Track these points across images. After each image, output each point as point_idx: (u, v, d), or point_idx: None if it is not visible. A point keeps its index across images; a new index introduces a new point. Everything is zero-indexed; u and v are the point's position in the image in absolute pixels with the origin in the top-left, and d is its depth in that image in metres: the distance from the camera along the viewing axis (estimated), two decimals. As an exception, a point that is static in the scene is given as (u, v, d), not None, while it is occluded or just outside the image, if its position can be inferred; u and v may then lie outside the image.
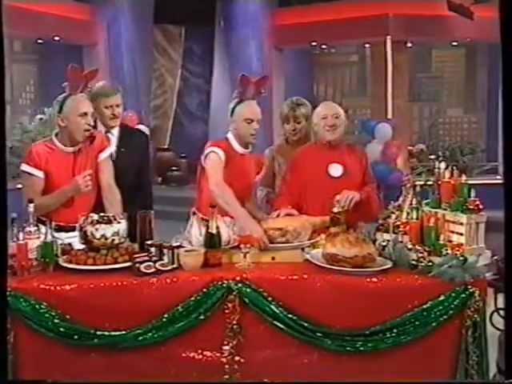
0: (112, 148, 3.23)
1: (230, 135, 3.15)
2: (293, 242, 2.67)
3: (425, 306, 2.35)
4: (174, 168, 10.43)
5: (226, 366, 2.38)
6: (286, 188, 3.26)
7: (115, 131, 3.44)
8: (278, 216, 2.93)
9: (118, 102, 3.40)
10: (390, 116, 8.52)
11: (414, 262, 2.47)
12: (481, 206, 2.63)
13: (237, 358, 2.38)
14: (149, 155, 3.76)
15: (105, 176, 3.14)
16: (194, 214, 3.11)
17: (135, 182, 3.44)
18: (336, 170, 3.18)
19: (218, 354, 2.38)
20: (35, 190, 2.96)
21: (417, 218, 2.64)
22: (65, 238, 2.86)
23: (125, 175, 3.35)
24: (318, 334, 2.36)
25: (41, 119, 8.04)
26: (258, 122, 3.11)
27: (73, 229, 2.83)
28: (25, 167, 2.99)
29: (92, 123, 3.02)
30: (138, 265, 2.43)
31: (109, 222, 2.58)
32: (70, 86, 3.01)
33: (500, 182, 2.18)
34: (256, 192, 3.39)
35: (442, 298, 2.35)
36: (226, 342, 2.37)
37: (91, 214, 2.64)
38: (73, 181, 2.94)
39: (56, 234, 2.67)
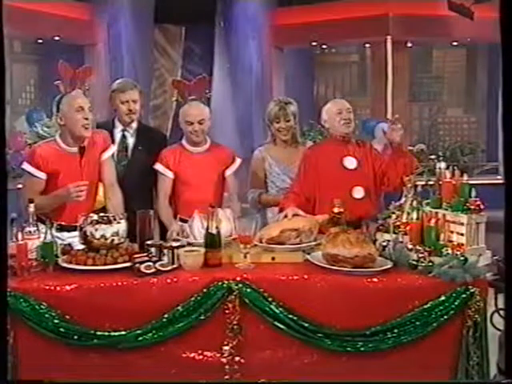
0: (114, 148, 3.22)
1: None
2: (305, 242, 2.68)
3: (425, 307, 2.35)
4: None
5: (226, 367, 2.38)
6: (299, 186, 3.28)
7: (132, 129, 3.42)
8: (285, 217, 2.92)
9: (135, 97, 3.37)
10: (389, 116, 8.51)
11: (414, 263, 2.46)
12: (482, 206, 2.62)
13: (237, 359, 2.38)
14: None
15: (107, 175, 3.14)
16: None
17: (154, 182, 3.42)
18: (350, 162, 3.27)
19: (218, 355, 2.38)
20: (35, 189, 2.96)
21: (417, 218, 2.64)
22: (67, 237, 2.86)
23: (141, 174, 3.34)
24: (319, 335, 2.36)
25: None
26: (201, 121, 3.21)
27: (75, 228, 2.83)
28: (26, 166, 2.99)
29: (90, 117, 2.97)
30: (138, 265, 2.43)
31: (108, 222, 2.58)
32: (63, 84, 3.02)
33: (500, 181, 2.18)
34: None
35: (442, 298, 2.35)
36: (226, 343, 2.37)
37: (91, 214, 2.64)
38: (65, 187, 2.91)
39: (58, 234, 2.66)
